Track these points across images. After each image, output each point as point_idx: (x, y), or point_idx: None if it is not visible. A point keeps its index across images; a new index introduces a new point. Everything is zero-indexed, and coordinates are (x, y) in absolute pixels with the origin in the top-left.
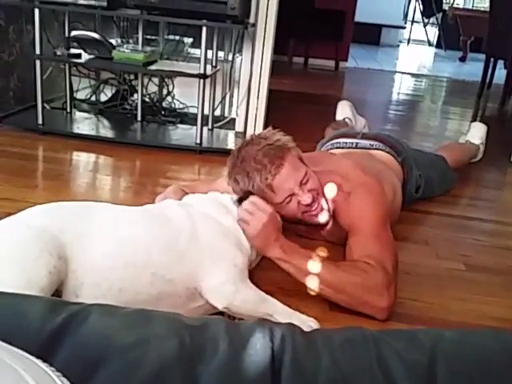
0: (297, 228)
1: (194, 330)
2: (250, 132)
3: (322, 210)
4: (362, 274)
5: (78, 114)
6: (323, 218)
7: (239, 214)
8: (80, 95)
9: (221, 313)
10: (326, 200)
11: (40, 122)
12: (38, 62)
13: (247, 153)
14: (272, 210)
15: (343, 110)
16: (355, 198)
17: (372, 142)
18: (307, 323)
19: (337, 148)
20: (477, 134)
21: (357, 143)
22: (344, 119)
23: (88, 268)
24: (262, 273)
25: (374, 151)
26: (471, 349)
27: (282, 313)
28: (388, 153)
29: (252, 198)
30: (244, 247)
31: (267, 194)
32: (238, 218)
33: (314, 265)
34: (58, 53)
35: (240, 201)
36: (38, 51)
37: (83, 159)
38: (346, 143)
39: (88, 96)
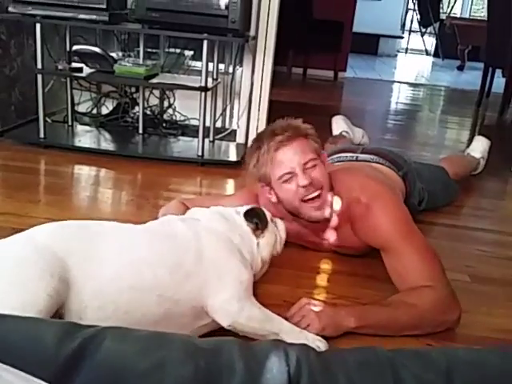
0: (304, 240)
1: (208, 353)
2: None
3: (324, 204)
4: (429, 301)
5: (79, 127)
6: (324, 213)
7: (295, 322)
8: (81, 108)
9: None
10: (332, 197)
11: (42, 135)
12: (39, 76)
13: (266, 130)
14: (310, 300)
15: (338, 125)
16: (377, 210)
17: (372, 157)
18: (315, 343)
19: (337, 162)
20: (478, 147)
21: (357, 157)
22: (341, 133)
23: (93, 291)
24: (268, 286)
25: (374, 164)
26: (486, 369)
27: (288, 332)
28: (388, 167)
29: (294, 309)
30: (249, 263)
31: (269, 165)
32: (296, 324)
33: (390, 313)
34: (60, 67)
35: (247, 213)
36: (39, 65)
37: (85, 173)
38: (347, 157)
39: (89, 109)
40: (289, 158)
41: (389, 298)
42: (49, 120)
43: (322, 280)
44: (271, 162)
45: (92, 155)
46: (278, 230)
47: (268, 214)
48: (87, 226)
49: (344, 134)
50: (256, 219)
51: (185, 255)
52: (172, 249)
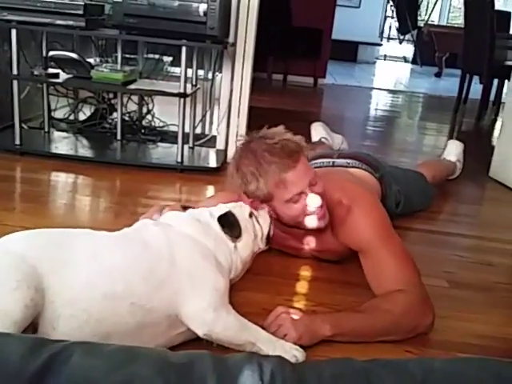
0: (284, 245)
1: (180, 368)
2: (231, 150)
3: (325, 213)
4: (403, 306)
5: (56, 134)
6: (326, 221)
7: (271, 332)
8: (58, 114)
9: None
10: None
11: (17, 142)
12: (15, 82)
13: (260, 147)
14: (286, 309)
15: (317, 131)
16: (358, 213)
17: (349, 161)
18: (291, 352)
19: (314, 168)
20: (453, 151)
21: (333, 162)
22: (320, 139)
23: (66, 300)
24: (247, 294)
25: (351, 169)
26: (463, 380)
27: (265, 341)
28: (365, 170)
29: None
30: (225, 269)
31: (273, 187)
32: (273, 334)
33: (364, 320)
34: (36, 72)
35: (220, 218)
36: (15, 71)
37: (62, 180)
38: (323, 163)
39: (66, 115)
40: (298, 180)
41: (364, 304)
42: (25, 126)
43: (301, 287)
44: (277, 186)
45: (69, 162)
46: (259, 225)
47: (245, 211)
48: (60, 233)
49: (323, 140)
50: (227, 228)
51: (158, 262)
52: (145, 256)
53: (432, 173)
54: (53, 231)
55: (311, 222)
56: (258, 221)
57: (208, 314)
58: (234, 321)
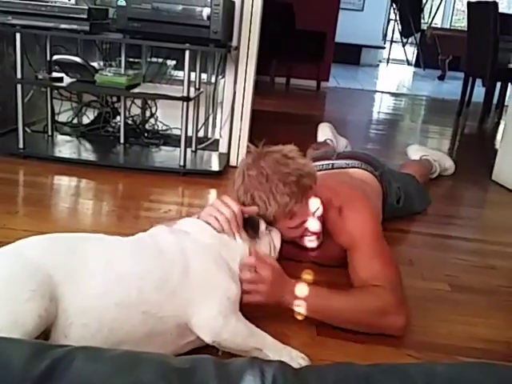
0: (286, 251)
1: (182, 373)
2: (233, 153)
3: (320, 234)
4: (374, 299)
5: (59, 137)
6: (319, 241)
7: (244, 287)
8: (62, 118)
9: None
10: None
11: (21, 145)
12: (19, 86)
13: (273, 173)
14: (272, 261)
15: (324, 132)
16: (349, 213)
17: (348, 161)
18: (297, 360)
19: None
20: (411, 154)
21: (333, 164)
22: (325, 140)
23: (79, 308)
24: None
25: (350, 170)
26: None
27: (271, 348)
28: (364, 169)
29: (248, 260)
30: (237, 276)
31: (284, 217)
32: (244, 291)
33: (327, 299)
34: (40, 76)
35: (246, 220)
36: (19, 75)
37: (65, 183)
38: (323, 165)
39: (70, 119)
40: (305, 212)
41: (341, 290)
42: (28, 130)
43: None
44: (284, 215)
45: (72, 165)
46: (272, 239)
47: (263, 224)
48: (75, 238)
49: (328, 141)
50: (249, 227)
51: (171, 270)
52: (158, 264)
53: (419, 172)
54: (67, 236)
55: (309, 243)
56: (271, 235)
57: (217, 321)
58: (243, 328)
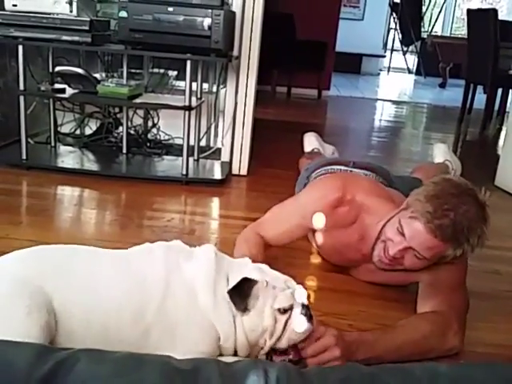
0: (339, 256)
1: (186, 374)
2: (236, 161)
3: (394, 267)
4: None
5: (62, 148)
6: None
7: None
8: (64, 129)
9: None
10: None
11: (24, 156)
12: (21, 98)
13: (450, 201)
14: (333, 331)
15: (309, 141)
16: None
17: (366, 172)
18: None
19: (330, 173)
20: (439, 153)
21: (351, 171)
22: (313, 150)
23: (66, 330)
24: None
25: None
26: None
27: None
28: (382, 183)
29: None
30: (223, 334)
31: (393, 227)
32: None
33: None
34: (42, 88)
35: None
36: (21, 87)
37: (68, 193)
38: (341, 170)
39: (72, 130)
40: (415, 238)
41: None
42: (31, 141)
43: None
44: (400, 231)
45: (75, 176)
46: (285, 324)
47: (270, 286)
48: (56, 249)
49: (316, 150)
50: (236, 297)
51: (148, 304)
52: (138, 292)
53: (429, 175)
54: (49, 248)
55: (379, 263)
56: (286, 318)
57: None
58: None
